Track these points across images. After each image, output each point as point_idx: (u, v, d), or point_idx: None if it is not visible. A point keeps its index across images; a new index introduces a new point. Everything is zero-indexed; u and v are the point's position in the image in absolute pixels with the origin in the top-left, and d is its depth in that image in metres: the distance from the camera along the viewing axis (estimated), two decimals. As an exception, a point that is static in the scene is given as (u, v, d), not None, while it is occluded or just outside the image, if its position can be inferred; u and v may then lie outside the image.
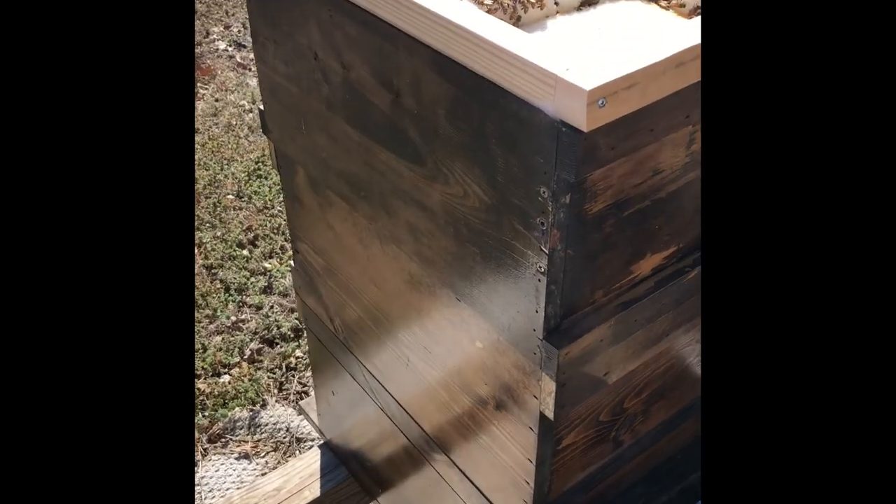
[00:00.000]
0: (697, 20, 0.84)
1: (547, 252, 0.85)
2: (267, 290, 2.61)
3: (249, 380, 2.31)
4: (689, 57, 0.78)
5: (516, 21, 0.90)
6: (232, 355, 2.36)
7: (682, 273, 1.00)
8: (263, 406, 2.31)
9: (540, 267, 0.86)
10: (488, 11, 0.89)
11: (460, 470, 1.23)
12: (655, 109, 0.80)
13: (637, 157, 0.85)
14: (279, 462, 2.18)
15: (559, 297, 0.89)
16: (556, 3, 0.94)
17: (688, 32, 0.80)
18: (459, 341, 1.08)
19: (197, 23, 3.86)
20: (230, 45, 3.79)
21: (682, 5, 0.94)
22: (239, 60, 3.69)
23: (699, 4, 0.93)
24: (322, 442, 1.75)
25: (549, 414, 0.96)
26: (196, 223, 2.73)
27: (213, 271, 2.61)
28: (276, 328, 2.47)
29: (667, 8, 0.95)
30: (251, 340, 2.41)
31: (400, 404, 1.33)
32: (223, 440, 2.19)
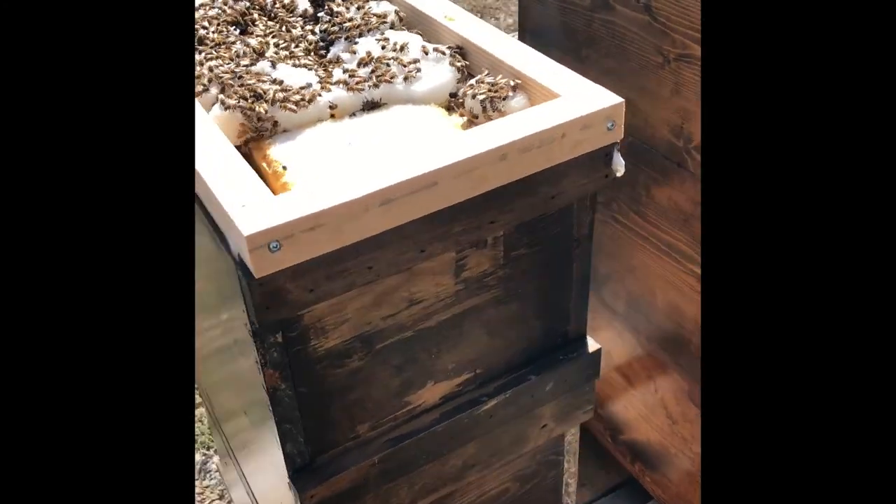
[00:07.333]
0: (471, 131, 0.75)
1: (267, 391, 0.76)
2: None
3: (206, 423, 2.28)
4: (400, 193, 0.68)
5: (273, 125, 0.82)
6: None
7: (478, 402, 0.89)
8: (217, 452, 2.28)
9: (268, 405, 0.78)
10: (246, 119, 0.81)
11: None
12: (368, 246, 0.70)
13: (371, 290, 0.75)
14: (220, 513, 2.15)
15: (301, 436, 0.80)
16: (331, 107, 0.84)
17: (435, 154, 0.70)
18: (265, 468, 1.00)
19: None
20: None
21: (476, 117, 0.83)
22: None
23: (479, 118, 0.82)
24: None
25: (313, 554, 0.87)
26: None
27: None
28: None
29: (461, 115, 0.85)
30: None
31: None
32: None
